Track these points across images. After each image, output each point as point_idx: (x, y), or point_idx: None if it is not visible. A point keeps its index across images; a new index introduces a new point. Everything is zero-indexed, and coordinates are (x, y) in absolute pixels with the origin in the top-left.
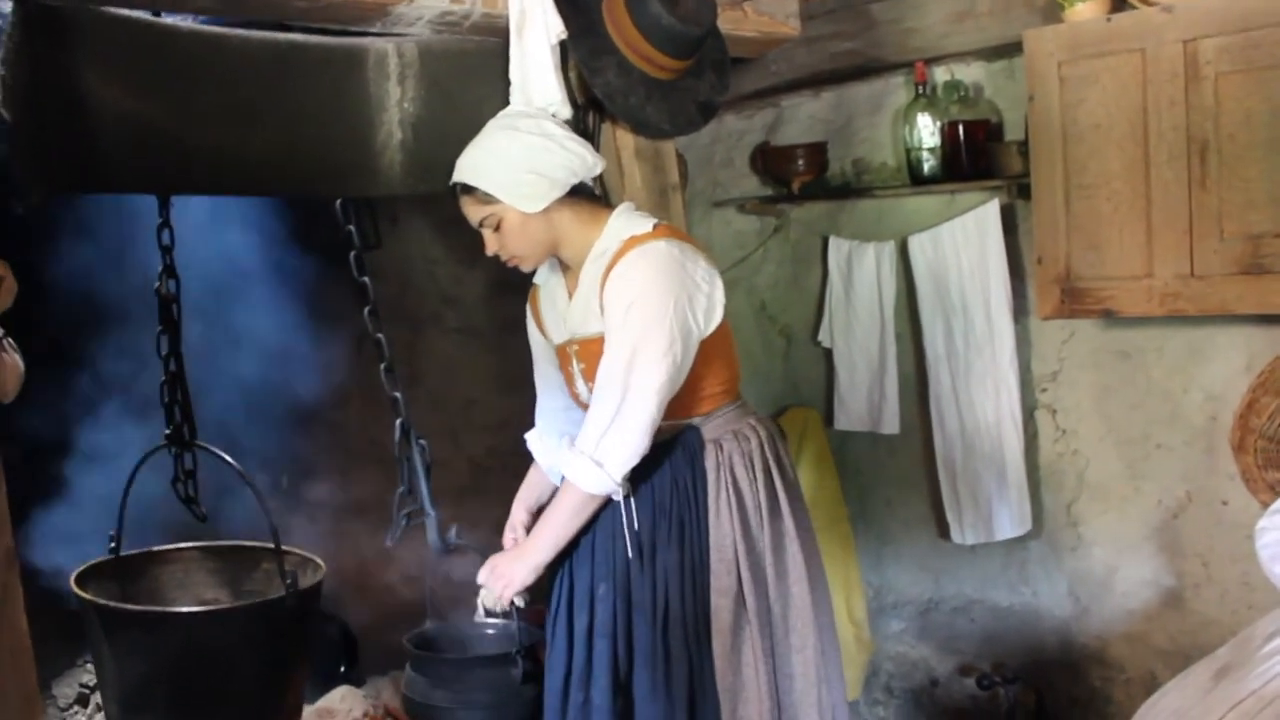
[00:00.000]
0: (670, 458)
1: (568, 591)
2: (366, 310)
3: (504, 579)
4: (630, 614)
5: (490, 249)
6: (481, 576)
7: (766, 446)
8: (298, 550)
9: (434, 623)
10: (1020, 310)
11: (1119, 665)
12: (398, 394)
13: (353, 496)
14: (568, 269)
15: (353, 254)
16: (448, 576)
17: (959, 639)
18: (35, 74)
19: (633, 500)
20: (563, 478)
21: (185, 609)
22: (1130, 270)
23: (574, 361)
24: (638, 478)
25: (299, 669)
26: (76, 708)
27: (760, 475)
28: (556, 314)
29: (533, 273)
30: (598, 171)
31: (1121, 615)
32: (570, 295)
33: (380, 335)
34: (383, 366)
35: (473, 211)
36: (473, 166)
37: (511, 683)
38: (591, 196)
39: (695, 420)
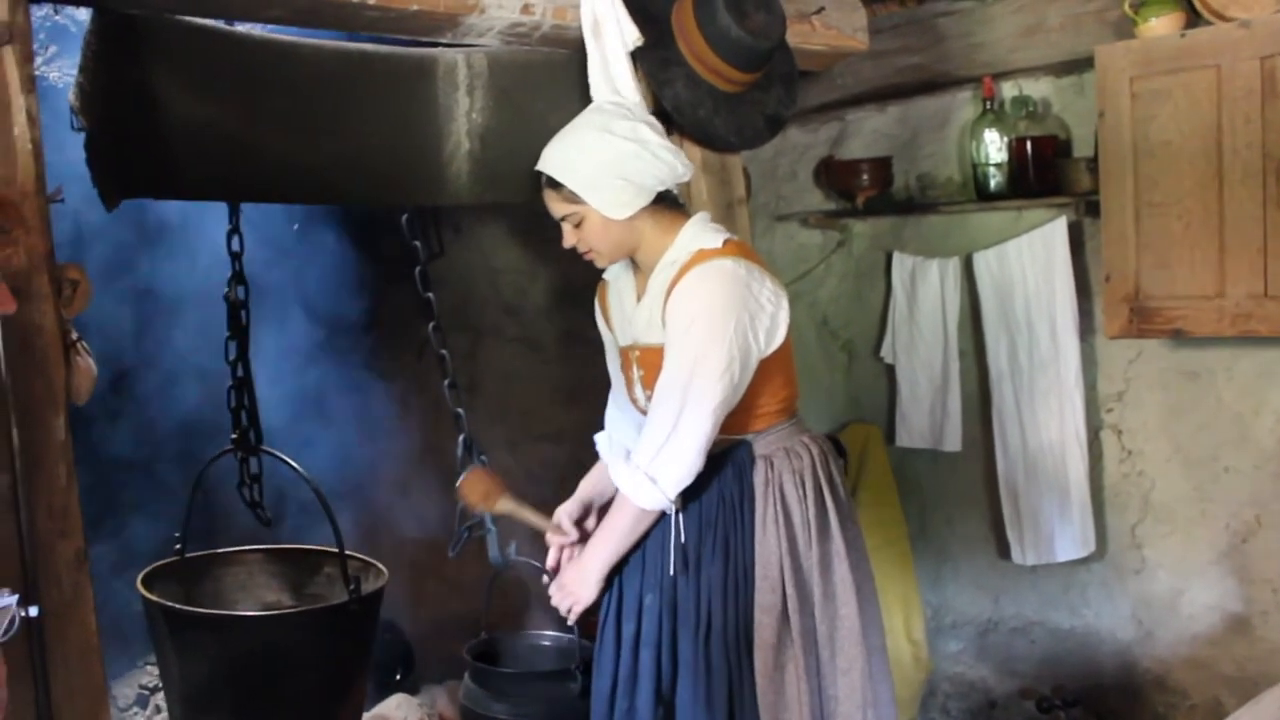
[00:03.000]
0: (719, 473)
1: (617, 601)
2: (431, 326)
3: (571, 596)
4: (675, 626)
5: (568, 241)
6: (551, 591)
7: (819, 465)
8: (361, 556)
9: (490, 635)
10: (1086, 329)
11: (1183, 692)
12: (460, 410)
13: (411, 505)
14: (639, 270)
15: (418, 269)
16: (506, 590)
17: (1018, 661)
18: (111, 82)
19: (681, 515)
20: (617, 491)
21: (254, 612)
22: (1201, 290)
23: (635, 367)
24: (687, 491)
25: (361, 674)
26: (136, 709)
27: (810, 493)
28: (624, 315)
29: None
30: (686, 179)
31: (1186, 640)
32: (638, 299)
33: (444, 351)
34: (446, 383)
35: (556, 206)
36: (562, 161)
37: (570, 696)
38: (673, 203)
39: (748, 436)
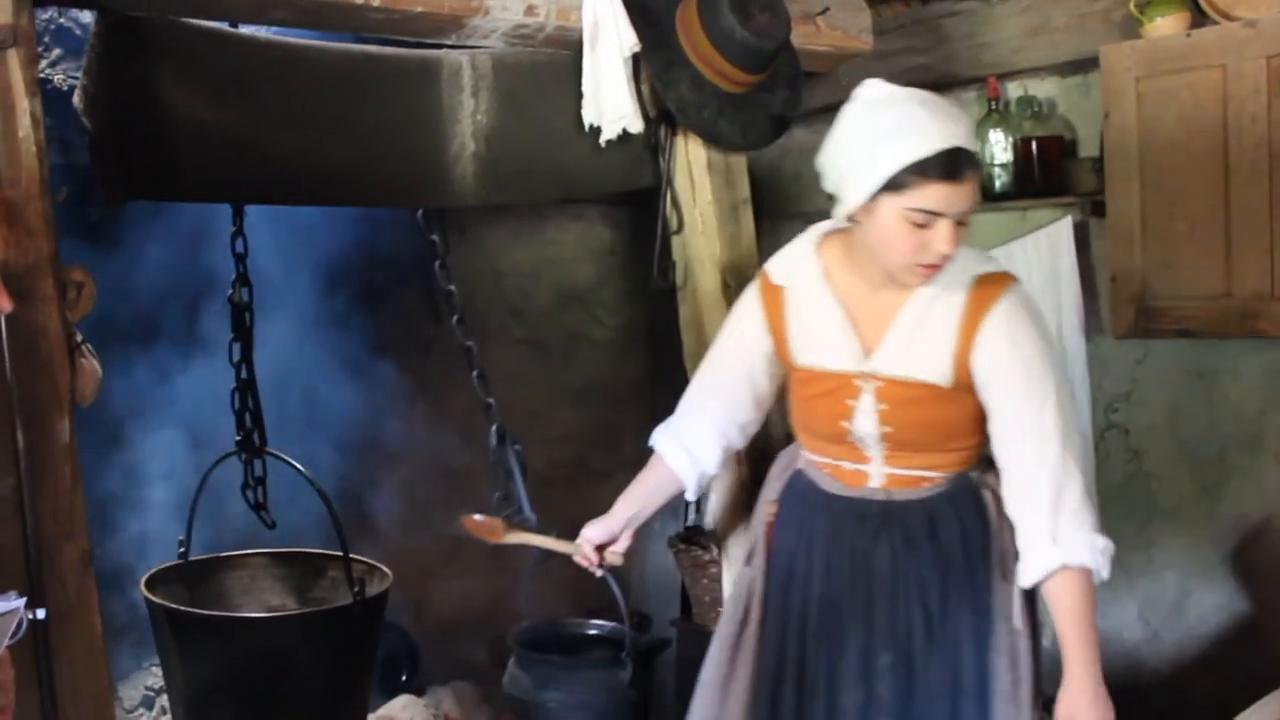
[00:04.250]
0: (956, 510)
1: (826, 668)
2: (455, 319)
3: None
4: (911, 685)
5: (951, 246)
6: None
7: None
8: (365, 559)
9: (530, 622)
10: (1092, 329)
11: (1190, 692)
12: (491, 400)
13: (415, 506)
14: (856, 287)
15: (437, 263)
16: (545, 577)
17: None
18: (116, 84)
19: (932, 562)
20: (1059, 572)
21: (258, 614)
22: (1208, 289)
23: (865, 397)
24: (930, 535)
25: (365, 676)
26: (141, 710)
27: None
28: (826, 335)
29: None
30: None
31: (1194, 642)
32: (859, 322)
33: (470, 343)
34: (475, 374)
35: (970, 194)
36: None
37: (619, 685)
38: None
39: (968, 472)
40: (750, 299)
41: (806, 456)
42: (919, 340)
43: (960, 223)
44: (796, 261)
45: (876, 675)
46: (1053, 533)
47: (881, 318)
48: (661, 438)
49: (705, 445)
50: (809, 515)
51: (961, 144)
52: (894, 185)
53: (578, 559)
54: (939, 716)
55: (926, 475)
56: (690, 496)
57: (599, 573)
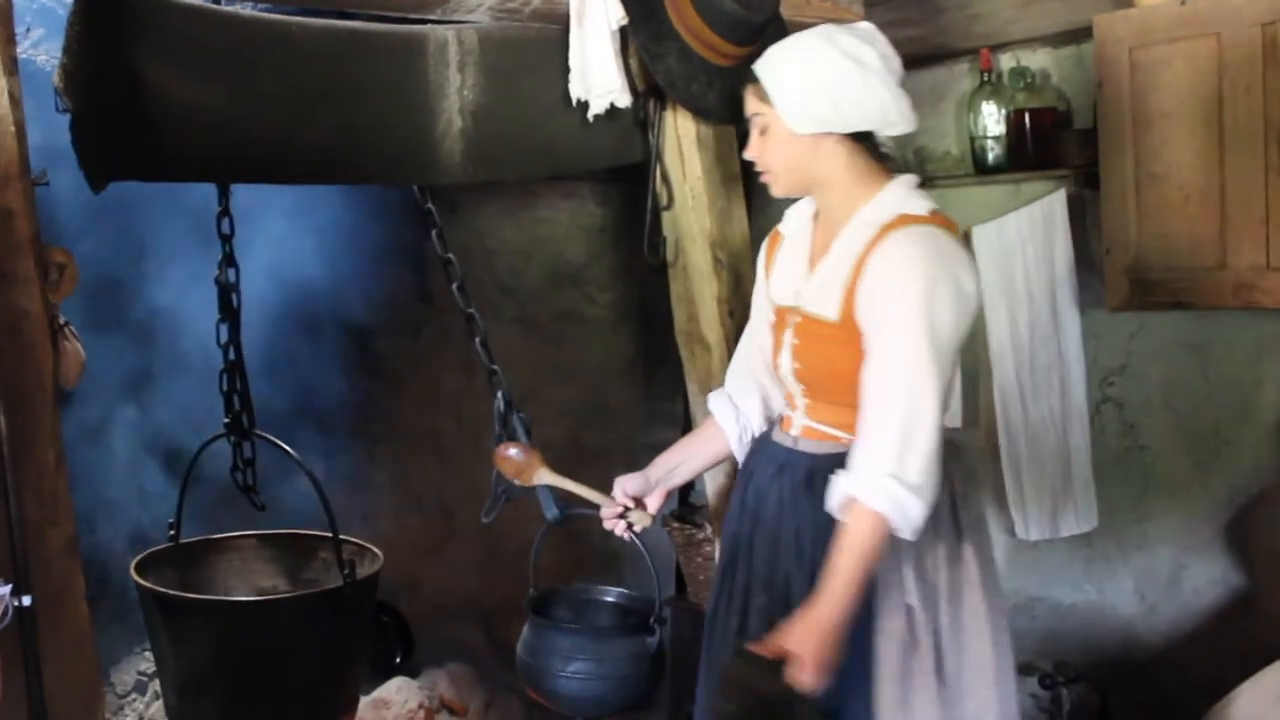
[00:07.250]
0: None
1: (724, 596)
2: (455, 286)
3: (809, 654)
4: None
5: (750, 151)
6: (791, 644)
7: (954, 473)
8: (356, 540)
9: (539, 590)
10: (1087, 302)
11: (1186, 666)
12: (495, 367)
13: (409, 487)
14: (820, 227)
15: (435, 231)
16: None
17: (1020, 637)
18: (97, 62)
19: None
20: (853, 509)
21: (246, 598)
22: (1203, 261)
23: (789, 332)
24: (804, 490)
25: (356, 658)
26: (134, 695)
27: (945, 511)
28: (790, 273)
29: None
30: (898, 131)
31: (1190, 615)
32: (812, 260)
33: (471, 310)
34: (477, 341)
35: (748, 103)
36: (770, 59)
37: (646, 654)
38: (878, 154)
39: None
40: (764, 248)
41: None
42: (828, 274)
43: (760, 132)
44: (800, 208)
45: (750, 613)
46: (860, 465)
47: (821, 254)
48: (715, 398)
49: (749, 401)
50: (749, 457)
51: (756, 65)
52: None
53: (606, 523)
54: None
55: (836, 434)
56: (735, 452)
57: (626, 536)
